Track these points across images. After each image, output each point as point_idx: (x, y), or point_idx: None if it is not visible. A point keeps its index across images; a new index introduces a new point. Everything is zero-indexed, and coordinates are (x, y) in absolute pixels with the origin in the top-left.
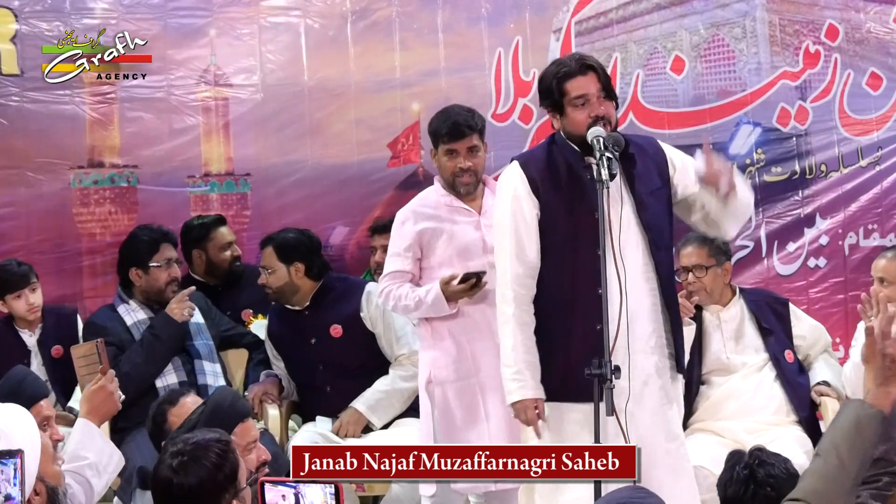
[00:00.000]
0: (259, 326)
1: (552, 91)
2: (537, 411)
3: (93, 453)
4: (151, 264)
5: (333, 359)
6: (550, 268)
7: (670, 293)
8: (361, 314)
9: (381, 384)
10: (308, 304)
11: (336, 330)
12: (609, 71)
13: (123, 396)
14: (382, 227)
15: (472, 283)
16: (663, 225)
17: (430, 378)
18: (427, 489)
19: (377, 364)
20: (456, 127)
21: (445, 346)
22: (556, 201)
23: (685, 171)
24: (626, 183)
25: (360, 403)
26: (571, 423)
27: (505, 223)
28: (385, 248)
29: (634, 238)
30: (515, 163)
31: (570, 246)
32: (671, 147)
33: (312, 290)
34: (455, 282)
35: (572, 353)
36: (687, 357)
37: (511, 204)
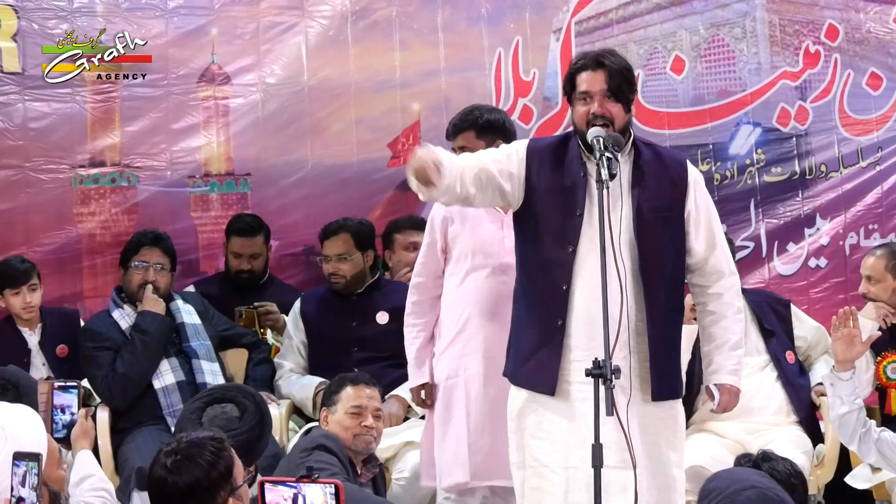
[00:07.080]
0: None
1: (566, 82)
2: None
3: (99, 472)
4: (129, 265)
5: (371, 342)
6: (525, 254)
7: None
8: None
9: None
10: (361, 291)
11: (382, 316)
12: None
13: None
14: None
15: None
16: (656, 241)
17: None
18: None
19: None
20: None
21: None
22: (546, 189)
23: (698, 226)
24: (630, 185)
25: (404, 392)
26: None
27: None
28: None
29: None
30: (527, 139)
31: (545, 237)
32: (703, 187)
33: (371, 278)
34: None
35: (530, 346)
36: (688, 357)
37: (507, 148)
